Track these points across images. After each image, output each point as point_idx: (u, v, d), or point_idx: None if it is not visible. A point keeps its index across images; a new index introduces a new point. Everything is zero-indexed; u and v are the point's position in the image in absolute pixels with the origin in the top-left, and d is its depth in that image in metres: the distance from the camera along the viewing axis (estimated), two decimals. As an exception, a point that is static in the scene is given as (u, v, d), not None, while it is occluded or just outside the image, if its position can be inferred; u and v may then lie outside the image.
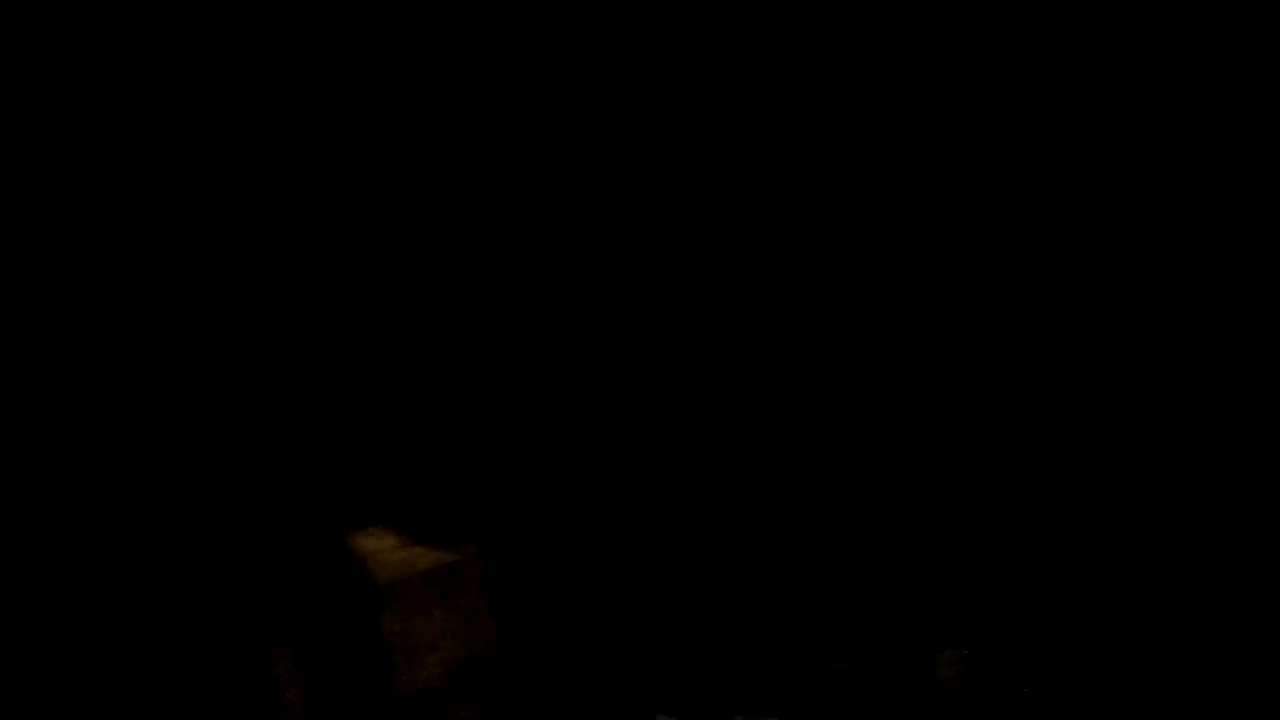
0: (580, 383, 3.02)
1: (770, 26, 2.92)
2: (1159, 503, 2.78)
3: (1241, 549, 2.70)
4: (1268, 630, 2.62)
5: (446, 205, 3.00)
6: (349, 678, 2.81)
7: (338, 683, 2.81)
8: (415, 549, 2.87)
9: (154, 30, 2.84)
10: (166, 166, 2.87)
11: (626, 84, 2.92)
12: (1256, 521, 2.72)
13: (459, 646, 2.84)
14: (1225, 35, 2.72)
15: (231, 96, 2.90)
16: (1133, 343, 2.83)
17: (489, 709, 2.82)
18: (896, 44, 2.89)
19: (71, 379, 2.86)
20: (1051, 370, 2.87)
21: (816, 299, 2.94)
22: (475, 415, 3.02)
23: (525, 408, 3.02)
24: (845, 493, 2.92)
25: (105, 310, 2.89)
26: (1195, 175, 2.80)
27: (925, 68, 2.89)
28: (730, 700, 2.76)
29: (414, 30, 2.93)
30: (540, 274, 3.02)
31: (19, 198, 2.83)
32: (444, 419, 3.02)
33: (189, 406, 2.92)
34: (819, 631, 2.79)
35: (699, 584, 2.92)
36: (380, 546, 2.86)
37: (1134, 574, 2.77)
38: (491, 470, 2.99)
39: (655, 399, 3.01)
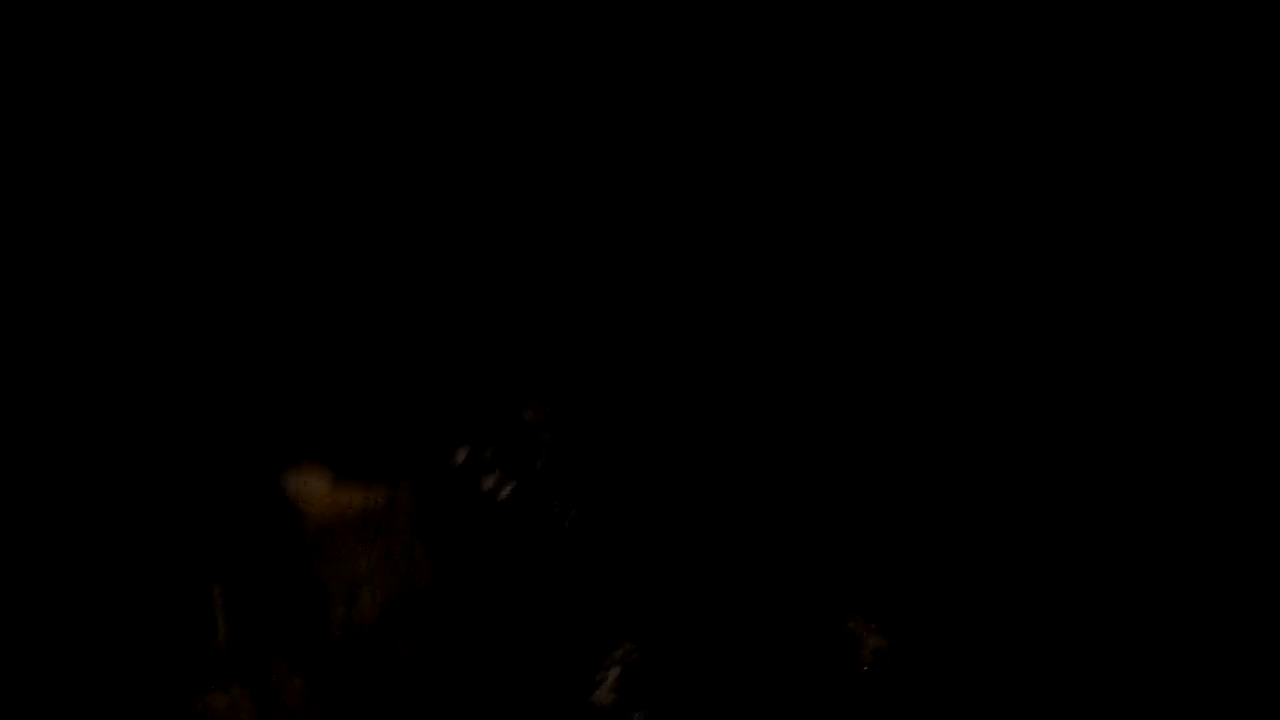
0: (521, 322, 2.98)
1: (770, 27, 2.88)
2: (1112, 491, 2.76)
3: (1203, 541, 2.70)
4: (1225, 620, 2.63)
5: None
6: (284, 617, 2.78)
7: (273, 622, 2.78)
8: (347, 486, 2.84)
9: (154, 30, 2.81)
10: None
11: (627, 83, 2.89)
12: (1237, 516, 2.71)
13: (393, 585, 2.81)
14: (1225, 35, 2.70)
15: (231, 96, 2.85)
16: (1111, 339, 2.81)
17: (426, 648, 2.80)
18: (896, 44, 2.86)
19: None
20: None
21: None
22: (413, 350, 2.97)
23: (465, 345, 2.98)
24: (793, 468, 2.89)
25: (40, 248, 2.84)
26: (1195, 175, 2.77)
27: (925, 68, 2.86)
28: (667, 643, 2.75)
29: (414, 30, 2.88)
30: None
31: (18, 198, 2.79)
32: (379, 354, 2.97)
33: (119, 340, 2.87)
34: (747, 599, 2.78)
35: (639, 530, 2.89)
36: (311, 484, 2.83)
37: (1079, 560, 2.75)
38: (427, 407, 2.94)
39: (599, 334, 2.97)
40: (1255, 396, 2.74)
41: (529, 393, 2.91)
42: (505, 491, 2.86)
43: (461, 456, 2.85)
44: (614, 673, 2.73)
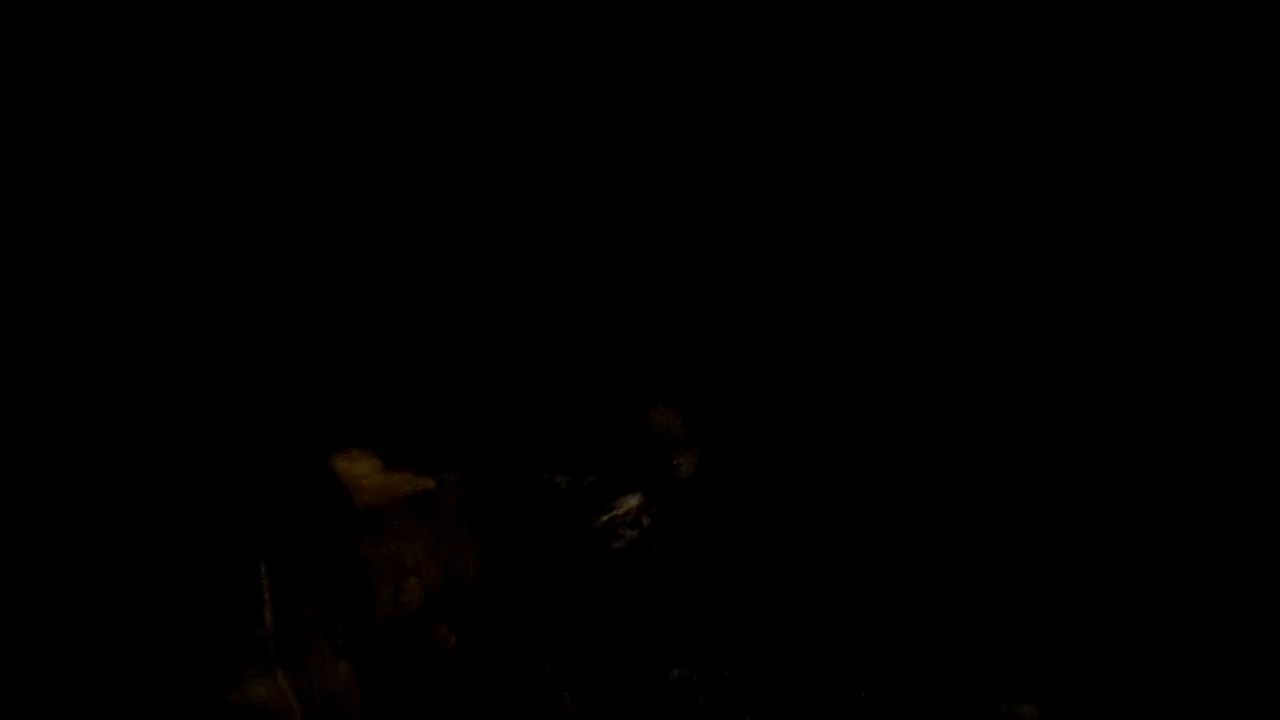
0: (567, 320, 2.94)
1: (771, 27, 2.79)
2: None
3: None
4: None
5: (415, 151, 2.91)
6: (330, 600, 2.80)
7: (318, 604, 2.80)
8: (396, 474, 2.83)
9: (154, 30, 2.78)
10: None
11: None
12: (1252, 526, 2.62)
13: (439, 572, 2.81)
14: (1225, 35, 2.58)
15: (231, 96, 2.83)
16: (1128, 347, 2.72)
17: (471, 634, 2.80)
18: (897, 44, 2.77)
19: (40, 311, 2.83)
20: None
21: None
22: (462, 344, 2.95)
23: (511, 339, 2.95)
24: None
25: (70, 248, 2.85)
26: (1195, 175, 2.69)
27: (926, 68, 2.77)
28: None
29: (414, 30, 2.83)
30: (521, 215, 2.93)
31: (18, 198, 2.79)
32: (431, 346, 2.96)
33: (173, 327, 2.89)
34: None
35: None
36: (362, 470, 2.83)
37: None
38: (475, 400, 2.93)
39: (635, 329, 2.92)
40: (1255, 396, 2.68)
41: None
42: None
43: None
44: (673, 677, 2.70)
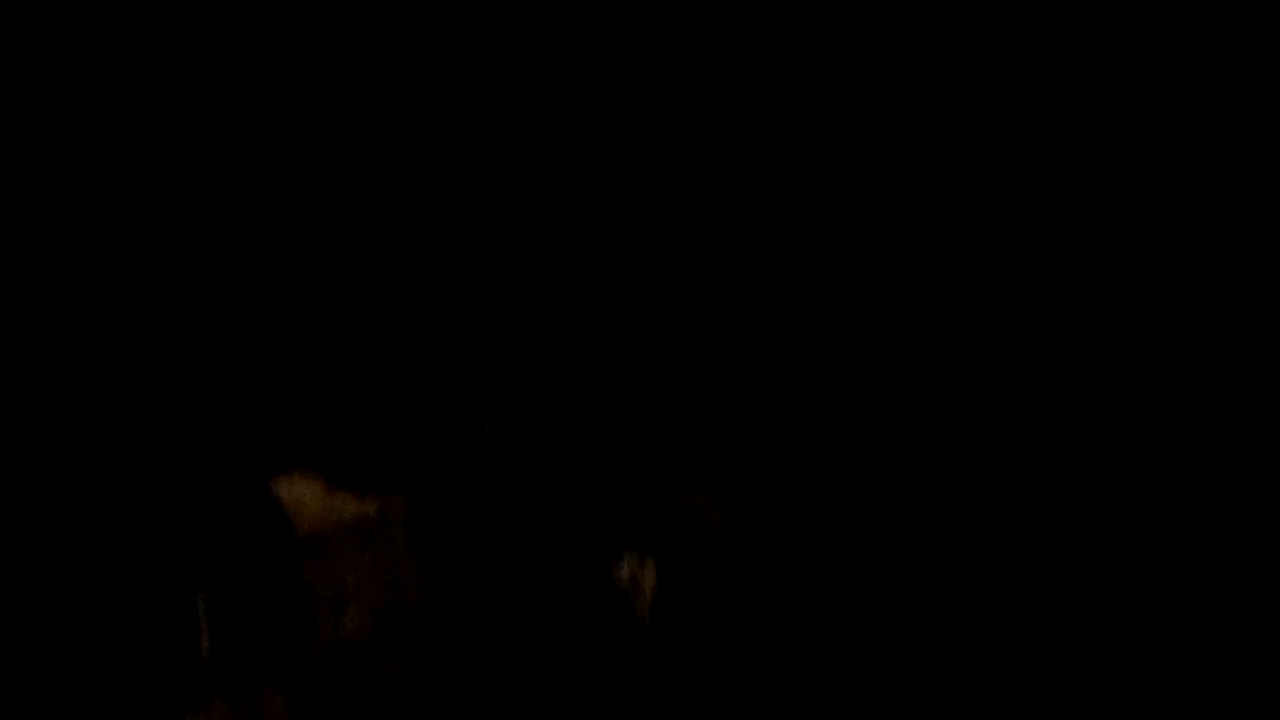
0: (518, 333, 2.87)
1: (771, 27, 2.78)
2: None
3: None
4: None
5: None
6: (270, 629, 2.72)
7: (258, 634, 2.72)
8: (339, 496, 2.76)
9: (154, 30, 2.72)
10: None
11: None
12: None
13: (383, 599, 2.74)
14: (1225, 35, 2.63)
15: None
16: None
17: (414, 663, 2.73)
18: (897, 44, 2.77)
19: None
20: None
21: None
22: (407, 360, 2.87)
23: (458, 354, 2.88)
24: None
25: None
26: (1195, 175, 2.71)
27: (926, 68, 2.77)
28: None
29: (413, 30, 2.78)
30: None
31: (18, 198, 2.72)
32: (374, 361, 2.88)
33: (106, 343, 2.79)
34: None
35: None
36: (303, 493, 2.75)
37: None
38: (422, 417, 2.85)
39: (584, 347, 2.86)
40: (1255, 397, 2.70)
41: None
42: (497, 505, 2.76)
43: (459, 469, 2.75)
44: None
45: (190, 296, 2.78)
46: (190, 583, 2.71)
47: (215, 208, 2.78)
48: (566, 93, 2.79)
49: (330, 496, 2.75)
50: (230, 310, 2.81)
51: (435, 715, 2.70)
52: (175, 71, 2.72)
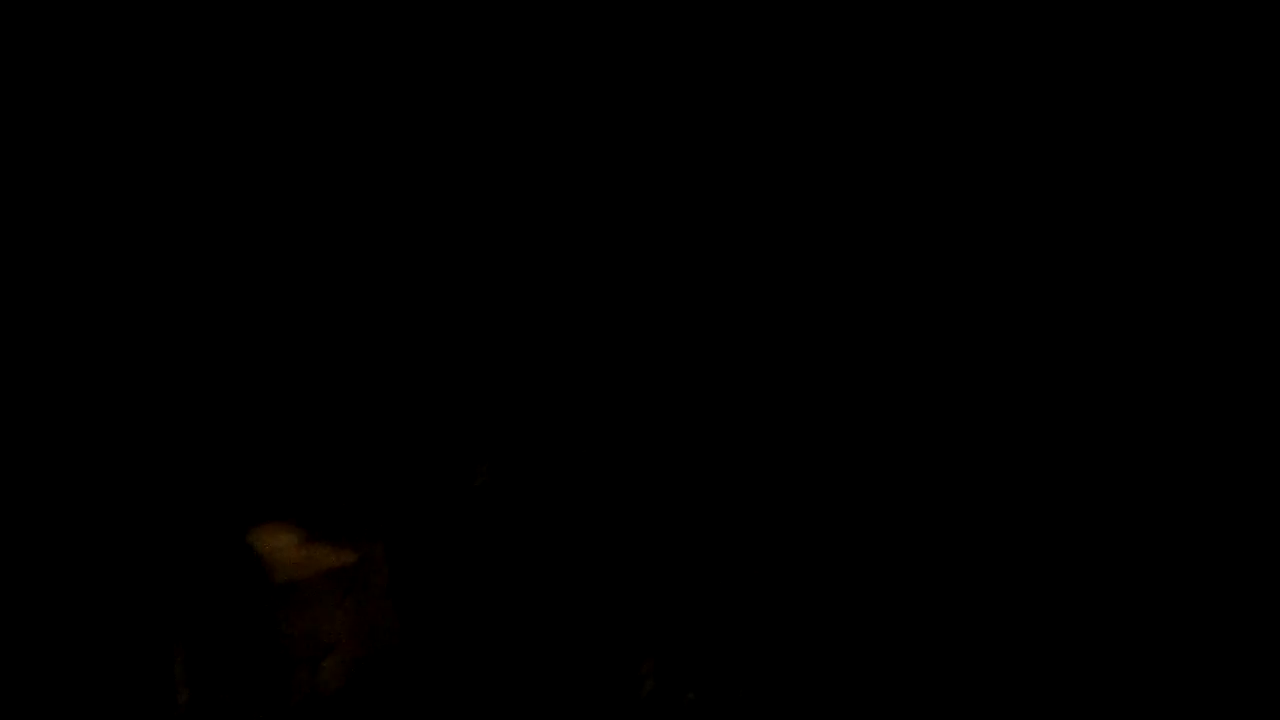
0: (489, 384, 2.90)
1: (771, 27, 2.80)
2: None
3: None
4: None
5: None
6: (248, 679, 2.71)
7: (236, 684, 2.71)
8: (317, 547, 2.76)
9: (155, 30, 2.70)
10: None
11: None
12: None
13: (360, 648, 2.75)
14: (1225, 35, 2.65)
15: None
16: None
17: (390, 711, 2.75)
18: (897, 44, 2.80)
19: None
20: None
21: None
22: (384, 416, 2.88)
23: (435, 409, 2.90)
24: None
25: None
26: (1195, 175, 2.74)
27: (926, 68, 2.80)
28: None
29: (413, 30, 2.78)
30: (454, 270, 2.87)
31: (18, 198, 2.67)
32: (352, 418, 2.88)
33: (88, 396, 2.75)
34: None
35: (606, 589, 2.86)
36: (280, 544, 2.75)
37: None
38: (398, 470, 2.87)
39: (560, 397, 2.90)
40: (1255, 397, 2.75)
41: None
42: (471, 556, 2.80)
43: (433, 520, 2.77)
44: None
45: (165, 350, 2.76)
46: (167, 635, 2.70)
47: (195, 261, 2.76)
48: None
49: (308, 546, 2.75)
50: (210, 368, 2.79)
51: (413, 763, 2.74)
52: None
